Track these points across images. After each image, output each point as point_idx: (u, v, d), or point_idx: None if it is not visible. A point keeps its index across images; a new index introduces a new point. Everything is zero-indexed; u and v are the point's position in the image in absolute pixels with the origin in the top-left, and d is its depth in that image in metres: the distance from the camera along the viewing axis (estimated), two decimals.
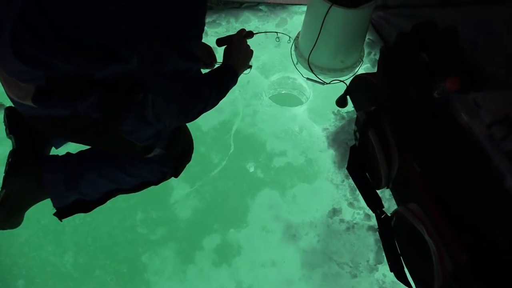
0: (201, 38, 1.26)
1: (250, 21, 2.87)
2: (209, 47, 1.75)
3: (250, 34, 1.69)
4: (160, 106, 1.32)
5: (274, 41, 2.75)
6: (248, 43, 1.66)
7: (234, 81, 1.54)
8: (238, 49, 1.60)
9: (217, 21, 2.84)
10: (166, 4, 1.07)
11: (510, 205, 1.20)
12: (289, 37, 2.01)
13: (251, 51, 1.66)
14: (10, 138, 1.61)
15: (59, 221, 1.62)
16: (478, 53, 1.58)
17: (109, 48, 1.15)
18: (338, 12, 2.09)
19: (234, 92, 2.52)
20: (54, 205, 1.59)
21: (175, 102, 1.27)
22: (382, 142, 1.70)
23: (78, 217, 1.84)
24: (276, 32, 1.95)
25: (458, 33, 1.58)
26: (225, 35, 1.67)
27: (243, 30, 1.66)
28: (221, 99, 1.46)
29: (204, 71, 1.46)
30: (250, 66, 1.71)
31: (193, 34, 1.20)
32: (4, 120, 1.63)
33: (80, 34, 1.10)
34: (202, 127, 2.37)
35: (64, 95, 1.25)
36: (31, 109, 1.28)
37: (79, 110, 1.29)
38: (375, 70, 2.37)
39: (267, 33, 2.00)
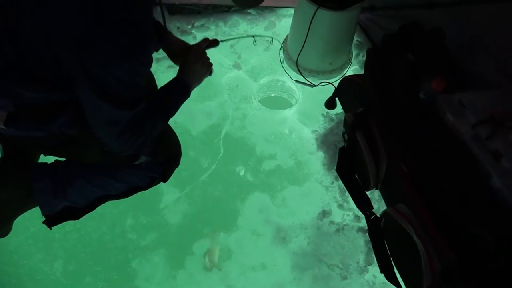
0: (142, 83, 1.23)
1: (239, 25, 2.87)
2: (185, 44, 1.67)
3: (214, 42, 1.62)
4: (103, 141, 1.31)
5: (263, 44, 2.76)
6: (207, 55, 1.60)
7: (186, 96, 1.50)
8: (194, 63, 1.54)
9: (206, 25, 2.84)
10: (98, 57, 1.05)
11: (495, 204, 1.20)
12: (272, 38, 1.93)
13: (209, 64, 1.60)
14: None
15: (48, 228, 1.61)
16: (463, 53, 1.59)
17: (63, 81, 1.15)
18: (325, 15, 2.09)
19: (223, 96, 2.52)
20: (43, 213, 1.57)
21: (114, 141, 1.27)
22: (370, 143, 1.70)
23: (68, 224, 1.83)
24: (253, 36, 1.86)
25: (443, 34, 1.59)
26: (186, 46, 1.61)
27: (205, 40, 1.61)
28: (170, 118, 1.45)
29: None
30: (211, 71, 1.62)
31: (130, 83, 1.17)
32: None
33: (31, 70, 1.12)
34: (191, 131, 2.37)
35: (35, 119, 1.26)
36: (7, 131, 1.29)
37: (53, 130, 1.30)
38: (363, 71, 2.38)
39: (244, 36, 1.90)
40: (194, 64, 1.55)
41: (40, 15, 1.03)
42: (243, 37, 1.90)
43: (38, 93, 1.18)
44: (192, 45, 1.60)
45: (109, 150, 1.46)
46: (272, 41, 1.94)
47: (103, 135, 1.27)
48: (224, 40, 1.65)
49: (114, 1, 1.04)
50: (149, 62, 1.23)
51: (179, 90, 1.50)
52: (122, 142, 1.27)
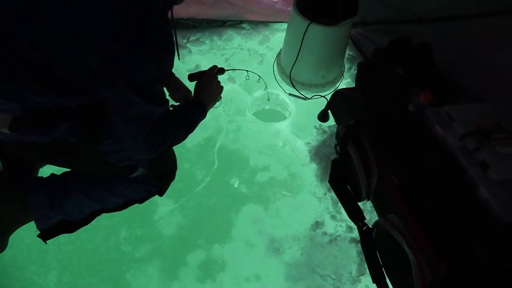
0: (166, 81, 1.29)
1: (234, 39, 2.91)
2: (188, 92, 1.80)
3: (222, 70, 1.75)
4: (127, 144, 1.35)
5: (257, 58, 2.80)
6: (218, 79, 1.73)
7: (203, 116, 1.59)
8: (208, 85, 1.67)
9: (201, 39, 2.88)
10: (132, 53, 1.10)
11: (483, 215, 1.23)
12: (259, 76, 2.06)
13: (221, 87, 1.74)
14: None
15: (43, 242, 1.61)
16: (450, 67, 1.63)
17: (78, 85, 1.20)
18: (317, 30, 2.14)
19: (218, 109, 2.55)
20: (38, 227, 1.58)
21: (141, 142, 1.30)
22: (361, 155, 1.73)
23: (63, 236, 1.82)
24: (247, 71, 2.03)
25: (431, 49, 1.63)
26: (197, 71, 1.73)
27: (215, 66, 1.73)
28: (189, 133, 1.51)
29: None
30: (220, 99, 1.77)
31: (158, 79, 1.23)
32: None
33: (49, 72, 1.15)
34: (186, 143, 2.39)
35: (40, 124, 1.29)
36: (9, 136, 1.31)
37: (56, 136, 1.33)
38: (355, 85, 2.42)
39: (242, 69, 2.13)
40: (209, 85, 1.67)
41: (70, 17, 1.07)
42: (239, 70, 2.18)
43: (49, 97, 1.22)
44: (205, 70, 1.71)
45: (109, 161, 1.49)
46: (260, 79, 2.08)
47: (130, 136, 1.30)
48: (229, 70, 1.85)
49: (139, 2, 1.10)
50: (171, 65, 1.29)
51: (197, 111, 1.57)
52: (148, 143, 1.31)
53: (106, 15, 1.06)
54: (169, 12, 1.33)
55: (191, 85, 1.75)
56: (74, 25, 1.07)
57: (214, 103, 1.70)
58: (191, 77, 1.71)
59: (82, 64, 1.12)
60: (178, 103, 1.79)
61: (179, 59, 1.40)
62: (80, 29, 1.07)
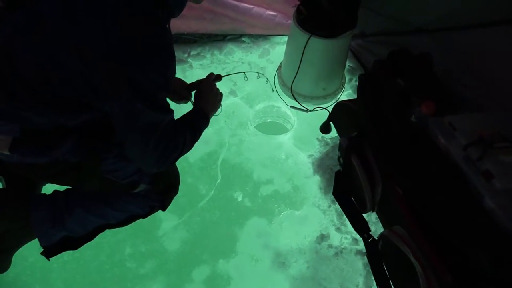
0: (170, 89, 1.30)
1: (234, 53, 2.93)
2: (184, 82, 1.80)
3: (219, 77, 1.77)
4: (136, 157, 1.34)
5: (257, 71, 2.80)
6: (217, 86, 1.73)
7: (206, 124, 1.59)
8: (208, 93, 1.67)
9: (202, 54, 2.90)
10: (136, 60, 1.11)
11: (488, 224, 1.22)
12: (258, 73, 2.06)
13: (221, 94, 1.73)
14: (0, 179, 1.62)
15: (47, 259, 1.61)
16: (451, 77, 1.64)
17: (80, 101, 1.20)
18: (317, 43, 2.15)
19: (219, 123, 2.56)
20: (41, 244, 1.57)
21: (150, 153, 1.29)
22: (365, 166, 1.73)
23: (66, 254, 1.83)
24: (244, 72, 1.99)
25: (431, 59, 1.63)
26: (195, 81, 1.74)
27: (211, 74, 1.74)
28: (195, 142, 1.50)
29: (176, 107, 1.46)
30: (220, 106, 1.77)
31: (163, 86, 1.24)
32: None
33: (50, 90, 1.16)
34: (189, 158, 2.39)
35: (40, 144, 1.29)
36: (10, 157, 1.31)
37: (56, 156, 1.33)
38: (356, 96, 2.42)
39: (239, 72, 2.07)
40: (209, 93, 1.68)
41: (71, 32, 1.08)
42: (236, 73, 2.04)
43: (49, 117, 1.22)
44: (203, 79, 1.73)
45: (111, 179, 1.49)
46: (259, 75, 2.06)
47: (139, 148, 1.29)
48: (226, 75, 1.83)
49: (139, 13, 1.13)
50: (174, 71, 1.30)
51: (200, 119, 1.58)
52: (158, 154, 1.30)
53: (107, 26, 1.08)
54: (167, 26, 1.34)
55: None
56: (76, 40, 1.08)
57: (216, 110, 1.70)
58: (189, 87, 1.73)
59: (85, 79, 1.12)
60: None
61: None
62: (83, 43, 1.08)
